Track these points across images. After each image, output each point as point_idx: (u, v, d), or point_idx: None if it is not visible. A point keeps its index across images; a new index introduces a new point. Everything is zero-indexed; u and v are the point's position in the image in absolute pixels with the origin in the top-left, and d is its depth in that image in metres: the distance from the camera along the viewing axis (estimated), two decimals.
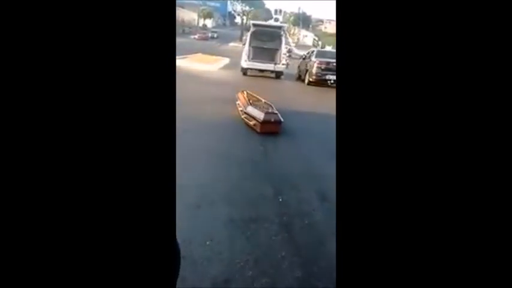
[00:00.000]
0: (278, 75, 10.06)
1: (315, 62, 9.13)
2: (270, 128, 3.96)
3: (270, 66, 9.79)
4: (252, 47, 10.12)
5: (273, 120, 3.98)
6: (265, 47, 10.16)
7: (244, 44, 10.67)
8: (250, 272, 1.57)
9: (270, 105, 4.44)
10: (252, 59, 9.91)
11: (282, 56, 9.94)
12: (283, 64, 9.89)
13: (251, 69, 9.92)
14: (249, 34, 10.35)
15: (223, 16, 52.60)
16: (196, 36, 30.37)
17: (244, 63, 9.81)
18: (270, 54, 10.05)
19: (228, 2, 51.18)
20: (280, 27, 10.91)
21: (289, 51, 19.01)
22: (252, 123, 4.07)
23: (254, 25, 10.67)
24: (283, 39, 10.43)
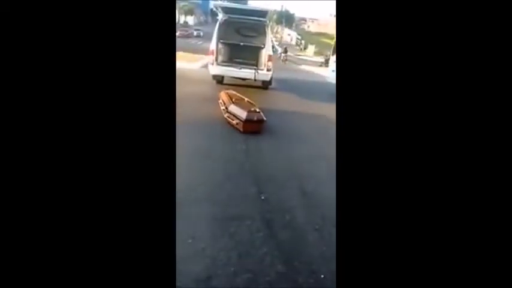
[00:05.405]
0: (266, 84, 7.02)
1: None
2: (253, 127, 3.98)
3: (249, 74, 6.54)
4: (223, 43, 6.84)
5: (255, 119, 4.00)
6: (242, 44, 6.90)
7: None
8: (233, 269, 1.61)
9: (253, 104, 4.46)
10: (222, 61, 6.77)
11: (267, 58, 6.60)
12: (268, 70, 6.59)
13: (228, 76, 6.79)
14: (217, 24, 6.73)
15: (205, 13, 51.91)
16: (177, 34, 29.89)
17: (212, 67, 6.57)
18: (250, 56, 6.92)
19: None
20: (264, 13, 6.70)
21: (285, 50, 18.69)
22: (234, 122, 4.08)
23: (225, 10, 6.63)
24: (269, 32, 7.00)
